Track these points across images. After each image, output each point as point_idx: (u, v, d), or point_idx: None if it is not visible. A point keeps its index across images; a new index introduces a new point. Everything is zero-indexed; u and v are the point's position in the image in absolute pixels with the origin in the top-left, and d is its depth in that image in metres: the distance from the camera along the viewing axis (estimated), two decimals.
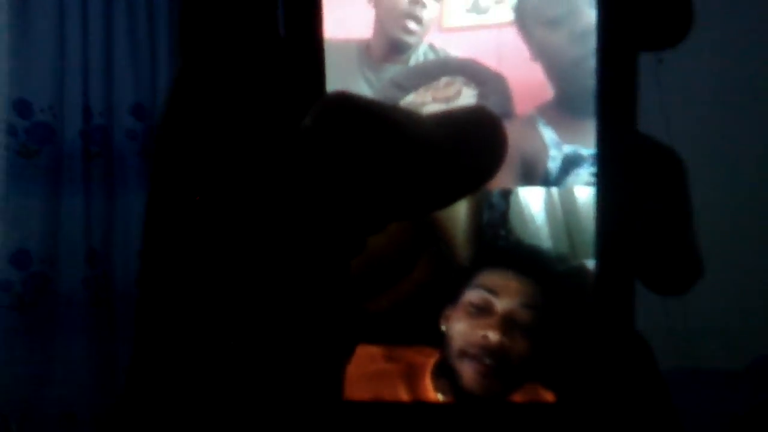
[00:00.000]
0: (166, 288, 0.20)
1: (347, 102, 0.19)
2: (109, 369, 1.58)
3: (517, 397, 0.23)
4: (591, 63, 0.21)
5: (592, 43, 0.21)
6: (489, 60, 0.22)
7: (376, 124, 0.18)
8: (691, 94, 1.55)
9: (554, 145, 0.22)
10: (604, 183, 0.22)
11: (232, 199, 0.20)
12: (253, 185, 0.19)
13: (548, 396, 0.23)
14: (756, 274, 1.48)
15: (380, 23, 0.22)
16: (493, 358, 0.23)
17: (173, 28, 1.65)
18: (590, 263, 0.22)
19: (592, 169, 0.22)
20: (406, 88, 0.22)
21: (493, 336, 0.23)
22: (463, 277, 0.23)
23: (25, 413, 1.51)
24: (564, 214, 0.22)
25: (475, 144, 0.20)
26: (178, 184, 0.20)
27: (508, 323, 0.23)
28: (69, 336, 1.56)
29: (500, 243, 0.23)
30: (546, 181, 0.23)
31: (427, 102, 0.22)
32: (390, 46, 0.22)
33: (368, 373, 0.23)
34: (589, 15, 0.21)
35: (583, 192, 0.22)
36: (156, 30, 1.69)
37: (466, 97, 0.22)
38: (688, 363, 1.43)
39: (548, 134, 0.22)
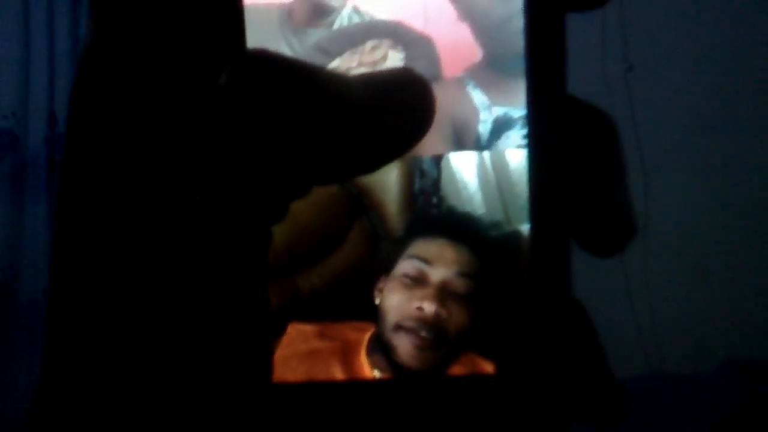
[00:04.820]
0: (82, 270, 0.19)
1: (265, 58, 0.18)
2: None
3: (456, 370, 0.22)
4: (519, 22, 0.21)
5: (518, 1, 0.21)
6: (415, 22, 0.22)
7: (295, 80, 0.18)
8: (661, 102, 1.56)
9: (484, 107, 0.22)
10: (536, 145, 0.21)
11: (144, 170, 0.19)
12: (167, 151, 0.19)
13: (487, 367, 0.22)
14: (722, 278, 1.50)
15: None
16: (429, 330, 0.22)
17: None
18: (525, 228, 0.22)
19: (524, 131, 0.21)
20: (331, 53, 0.22)
21: (429, 307, 0.22)
22: (396, 248, 0.23)
23: None
24: (497, 179, 0.22)
25: (400, 105, 0.19)
26: (93, 155, 0.19)
27: (443, 293, 0.22)
28: (30, 347, 1.52)
29: (433, 211, 0.22)
30: (478, 145, 0.22)
31: (353, 66, 0.22)
32: (312, 9, 0.22)
33: (301, 352, 0.22)
34: None
35: (515, 155, 0.22)
36: None
37: (393, 60, 0.22)
38: (656, 368, 1.44)
39: (478, 96, 0.22)
